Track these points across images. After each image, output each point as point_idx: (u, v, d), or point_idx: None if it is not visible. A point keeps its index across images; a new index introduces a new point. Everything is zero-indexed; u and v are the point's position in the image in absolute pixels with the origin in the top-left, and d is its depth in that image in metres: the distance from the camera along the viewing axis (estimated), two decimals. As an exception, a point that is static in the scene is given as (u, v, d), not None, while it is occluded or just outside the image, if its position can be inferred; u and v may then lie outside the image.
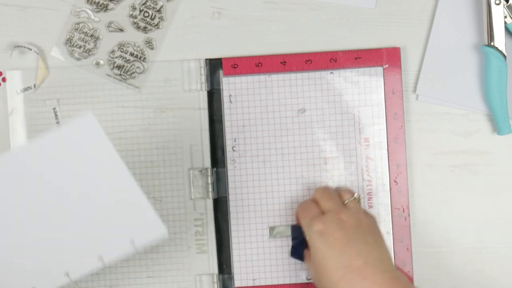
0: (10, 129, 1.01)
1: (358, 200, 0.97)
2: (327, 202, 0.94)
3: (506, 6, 0.97)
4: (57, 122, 1.00)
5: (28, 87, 1.00)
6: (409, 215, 1.00)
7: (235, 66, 1.00)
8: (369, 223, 0.93)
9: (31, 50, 1.00)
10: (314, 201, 0.96)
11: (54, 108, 1.00)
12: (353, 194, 0.97)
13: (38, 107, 1.01)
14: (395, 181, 1.00)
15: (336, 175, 1.00)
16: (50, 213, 0.88)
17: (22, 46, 1.00)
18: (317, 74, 1.00)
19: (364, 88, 1.00)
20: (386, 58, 1.00)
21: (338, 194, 0.96)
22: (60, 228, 0.89)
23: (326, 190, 0.96)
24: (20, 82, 1.01)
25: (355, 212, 0.93)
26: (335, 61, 1.00)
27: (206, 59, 1.01)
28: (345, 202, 0.95)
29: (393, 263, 0.95)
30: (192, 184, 1.00)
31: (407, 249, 1.00)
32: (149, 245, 0.88)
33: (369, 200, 1.00)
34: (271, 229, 1.00)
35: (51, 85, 1.01)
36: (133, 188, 0.88)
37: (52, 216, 0.89)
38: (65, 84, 1.01)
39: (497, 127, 0.99)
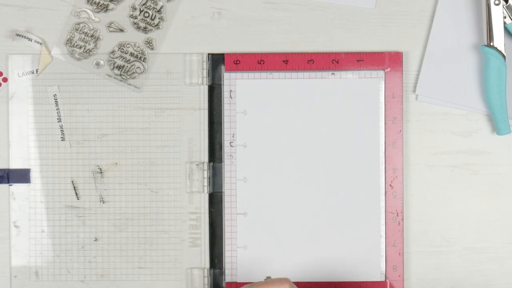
0: (9, 113, 1.01)
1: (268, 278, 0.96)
2: None
3: (506, 7, 0.97)
4: (57, 109, 1.00)
5: (31, 71, 1.00)
6: (403, 219, 1.00)
7: (237, 62, 1.00)
8: None
9: (31, 40, 1.00)
10: None
11: (55, 95, 1.00)
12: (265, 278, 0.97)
13: (39, 92, 1.01)
14: (390, 185, 1.00)
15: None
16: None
17: (23, 36, 1.00)
18: (318, 74, 1.00)
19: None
20: (388, 62, 1.00)
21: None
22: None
23: None
24: (22, 66, 1.01)
25: None
26: (337, 63, 1.00)
27: (208, 54, 1.01)
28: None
29: None
30: (188, 178, 1.00)
31: (399, 254, 1.00)
32: None
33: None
34: None
35: (52, 71, 1.01)
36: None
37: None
38: (67, 72, 1.01)
39: (496, 127, 0.99)
